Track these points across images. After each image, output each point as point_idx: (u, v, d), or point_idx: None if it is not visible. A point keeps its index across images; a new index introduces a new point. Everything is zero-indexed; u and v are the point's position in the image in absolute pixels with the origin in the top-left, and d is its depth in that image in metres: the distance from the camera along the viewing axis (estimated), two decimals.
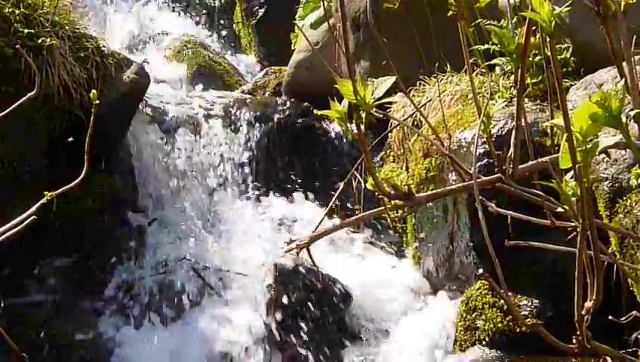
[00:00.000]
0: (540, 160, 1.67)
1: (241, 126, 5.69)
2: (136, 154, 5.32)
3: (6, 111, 2.09)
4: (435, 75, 4.81)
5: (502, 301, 4.06)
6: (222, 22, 8.77)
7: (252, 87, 6.80)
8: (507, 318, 4.11)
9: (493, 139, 3.97)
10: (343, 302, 4.68)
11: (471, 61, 1.96)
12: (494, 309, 4.17)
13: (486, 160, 4.07)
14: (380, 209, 1.71)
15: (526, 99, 4.30)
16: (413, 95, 4.89)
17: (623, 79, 1.38)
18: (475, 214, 4.17)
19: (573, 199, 1.40)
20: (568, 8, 1.53)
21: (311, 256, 1.67)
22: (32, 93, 2.14)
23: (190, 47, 7.64)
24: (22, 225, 1.80)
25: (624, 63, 1.44)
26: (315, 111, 5.80)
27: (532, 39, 1.50)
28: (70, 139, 4.63)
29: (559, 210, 1.46)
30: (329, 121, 5.76)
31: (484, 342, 4.15)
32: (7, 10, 4.64)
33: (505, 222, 1.86)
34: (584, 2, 1.46)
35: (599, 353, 1.51)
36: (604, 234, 3.65)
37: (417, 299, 4.74)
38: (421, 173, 4.71)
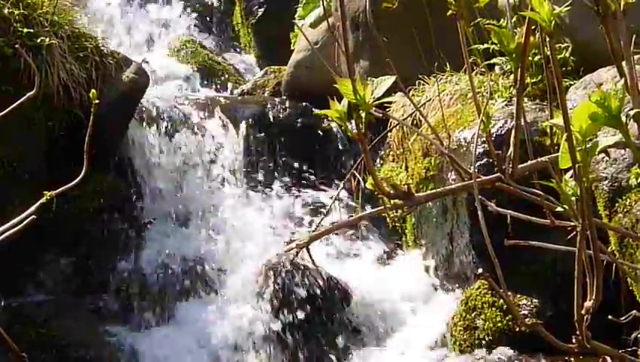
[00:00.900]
0: (539, 159, 1.67)
1: (240, 125, 5.69)
2: (135, 154, 5.32)
3: (5, 111, 2.09)
4: (434, 74, 4.80)
5: (501, 300, 4.06)
6: (221, 21, 8.76)
7: (251, 87, 6.80)
8: (507, 318, 4.11)
9: (492, 138, 3.96)
10: (343, 302, 4.68)
11: (470, 60, 1.96)
12: (494, 309, 4.17)
13: (485, 159, 4.07)
14: (379, 208, 1.71)
15: (525, 99, 4.30)
16: (413, 94, 4.89)
17: (623, 79, 1.38)
18: (474, 214, 4.17)
19: (573, 198, 1.40)
20: (568, 8, 1.53)
21: (310, 256, 1.67)
22: (32, 92, 2.14)
23: (189, 47, 7.63)
24: (21, 225, 1.80)
25: (624, 63, 1.44)
26: (314, 110, 5.80)
27: (531, 39, 1.50)
28: (69, 138, 4.63)
29: (559, 209, 1.46)
30: (328, 120, 5.76)
31: (483, 342, 4.15)
32: (6, 10, 4.63)
33: (504, 222, 1.86)
34: (584, 2, 1.46)
35: (599, 352, 1.51)
36: (603, 234, 3.65)
37: (417, 298, 4.73)
38: (420, 173, 4.71)
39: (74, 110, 4.72)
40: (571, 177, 1.41)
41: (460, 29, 1.87)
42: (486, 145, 3.89)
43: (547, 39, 1.40)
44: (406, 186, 1.61)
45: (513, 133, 1.59)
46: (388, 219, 5.11)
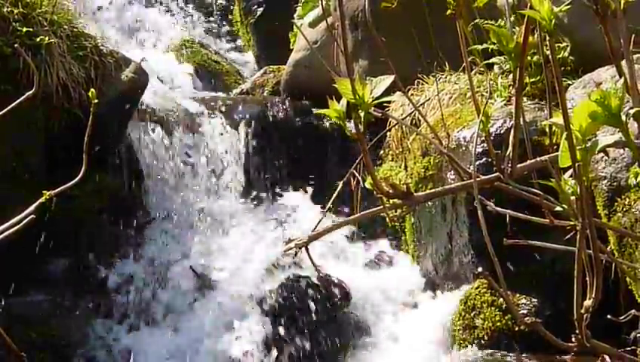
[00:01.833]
0: (538, 159, 1.67)
1: (239, 125, 5.69)
2: (135, 153, 5.32)
3: (5, 111, 2.09)
4: (433, 73, 4.81)
5: (501, 300, 4.06)
6: (220, 20, 8.76)
7: (251, 86, 6.80)
8: (506, 317, 4.11)
9: (491, 138, 3.97)
10: (342, 301, 4.68)
11: (469, 60, 1.96)
12: (493, 308, 4.17)
13: (485, 159, 4.07)
14: (378, 208, 1.71)
15: (524, 98, 4.30)
16: (412, 94, 4.89)
17: (622, 78, 1.38)
18: (473, 213, 4.17)
19: (572, 198, 1.40)
20: (568, 7, 1.53)
21: (310, 255, 1.67)
22: (31, 92, 2.14)
23: (189, 46, 7.63)
24: (21, 225, 1.80)
25: (623, 62, 1.44)
26: (313, 110, 5.80)
27: (530, 38, 1.50)
28: (69, 138, 4.63)
29: (558, 208, 1.46)
30: (328, 119, 5.76)
31: (482, 341, 4.15)
32: (5, 9, 4.63)
33: (504, 221, 1.86)
34: (583, 1, 1.46)
35: (598, 351, 1.51)
36: (602, 233, 3.65)
37: (416, 298, 4.74)
38: (420, 172, 4.71)
39: (73, 109, 4.72)
40: (570, 176, 1.41)
41: (458, 28, 1.87)
42: (485, 145, 3.89)
43: (547, 38, 1.40)
44: (405, 186, 1.61)
45: (512, 133, 1.59)
46: (387, 219, 5.11)
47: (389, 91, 1.51)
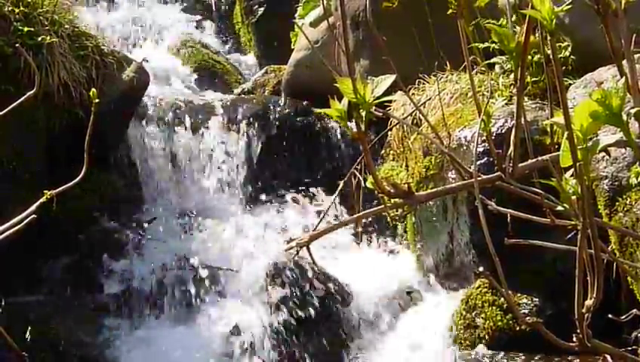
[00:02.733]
0: (539, 158, 1.66)
1: (240, 124, 5.69)
2: (135, 153, 5.32)
3: (6, 110, 2.09)
4: (434, 73, 4.80)
5: (502, 299, 4.06)
6: (221, 20, 8.77)
7: (252, 86, 6.80)
8: (507, 316, 4.11)
9: (492, 137, 3.96)
10: (342, 301, 4.68)
11: (470, 59, 1.96)
12: (494, 307, 4.17)
13: (486, 158, 4.07)
14: (379, 207, 1.71)
15: (525, 98, 4.30)
16: (413, 93, 4.89)
17: (623, 77, 1.38)
18: (475, 213, 4.17)
19: (574, 197, 1.39)
20: (569, 6, 1.53)
21: (311, 255, 1.67)
22: (32, 91, 2.14)
23: (190, 46, 7.64)
24: (21, 224, 1.80)
25: (624, 62, 1.43)
26: (314, 109, 5.80)
27: (532, 37, 1.50)
28: (70, 137, 4.63)
29: (559, 208, 1.46)
30: (329, 119, 5.76)
31: (483, 341, 4.15)
32: (6, 9, 4.63)
33: (505, 221, 1.86)
34: (584, 0, 1.46)
35: (599, 351, 1.51)
36: (603, 233, 3.64)
37: (417, 297, 4.74)
38: (421, 172, 4.71)
39: (74, 109, 4.72)
40: (572, 176, 1.41)
41: (459, 27, 1.87)
42: (486, 144, 3.89)
43: (548, 38, 1.40)
44: (406, 185, 1.61)
45: (513, 132, 1.59)
46: (388, 218, 5.11)
47: (390, 91, 1.50)
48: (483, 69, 4.59)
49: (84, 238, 4.89)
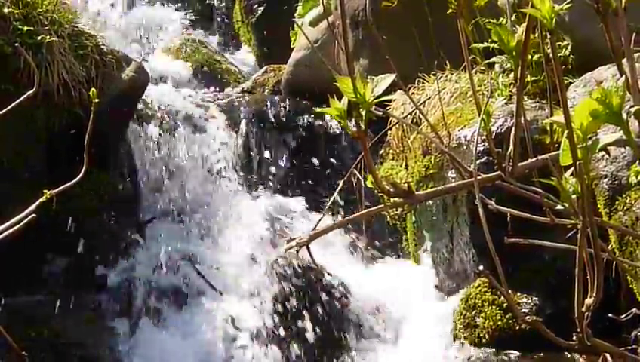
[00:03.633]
0: (539, 157, 1.66)
1: (240, 124, 5.69)
2: (135, 153, 5.32)
3: (5, 110, 2.09)
4: (434, 72, 4.80)
5: (502, 298, 4.06)
6: (221, 20, 8.77)
7: (251, 85, 6.80)
8: (507, 316, 4.11)
9: (492, 136, 3.96)
10: (342, 300, 4.68)
11: (470, 59, 1.96)
12: (494, 307, 4.17)
13: (486, 157, 4.07)
14: (379, 207, 1.71)
15: (525, 97, 4.30)
16: (413, 93, 4.89)
17: (623, 76, 1.38)
18: (474, 212, 4.17)
19: (573, 196, 1.39)
20: (569, 5, 1.53)
21: (311, 254, 1.67)
22: (32, 91, 2.14)
23: (190, 45, 7.63)
24: (21, 224, 1.80)
25: (624, 60, 1.43)
26: (314, 109, 5.79)
27: (532, 36, 1.50)
28: (69, 137, 4.63)
29: (559, 207, 1.46)
30: (329, 118, 5.75)
31: (483, 340, 4.15)
32: (6, 9, 4.63)
33: (505, 220, 1.86)
34: None
35: (599, 350, 1.51)
36: (603, 232, 3.64)
37: (417, 296, 4.73)
38: (420, 171, 4.71)
39: (74, 109, 4.72)
40: (571, 175, 1.41)
41: (459, 27, 1.87)
42: (486, 144, 3.89)
43: (548, 37, 1.40)
44: (406, 184, 1.61)
45: (513, 131, 1.59)
46: (388, 218, 5.11)
47: (389, 90, 1.50)
48: (483, 68, 4.59)
49: (84, 238, 4.88)
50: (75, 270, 4.81)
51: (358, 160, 4.66)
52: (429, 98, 4.77)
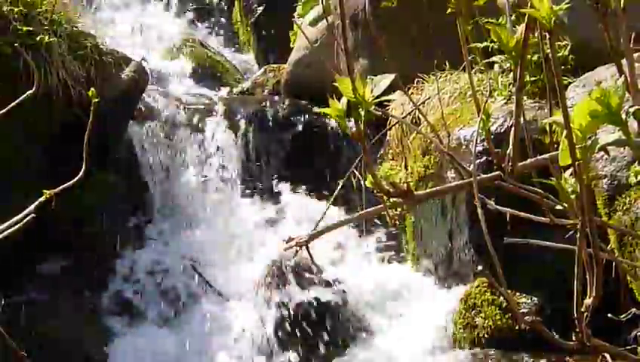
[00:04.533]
0: (539, 157, 1.67)
1: (239, 124, 5.69)
2: (135, 152, 5.32)
3: (5, 110, 2.09)
4: (433, 72, 4.80)
5: (501, 298, 4.06)
6: (221, 20, 8.76)
7: (251, 86, 6.79)
8: (506, 316, 4.11)
9: (492, 136, 3.96)
10: (341, 300, 4.68)
11: (469, 59, 1.96)
12: (493, 307, 4.17)
13: (485, 157, 4.07)
14: (379, 207, 1.71)
15: (525, 97, 4.29)
16: (412, 93, 4.89)
17: (622, 76, 1.38)
18: (474, 212, 4.17)
19: (573, 196, 1.40)
20: (568, 5, 1.53)
21: (310, 254, 1.67)
22: (31, 91, 2.15)
23: (189, 45, 7.63)
24: (21, 224, 1.80)
25: (623, 60, 1.44)
26: (314, 109, 5.79)
27: (531, 37, 1.50)
28: (69, 137, 4.63)
29: (558, 207, 1.46)
30: (328, 118, 5.75)
31: (483, 340, 4.15)
32: (5, 9, 4.63)
33: (504, 220, 1.86)
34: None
35: (599, 350, 1.51)
36: (602, 232, 3.64)
37: (416, 296, 4.73)
38: (420, 171, 4.71)
39: (73, 109, 4.72)
40: (571, 175, 1.41)
41: (459, 27, 1.87)
42: (485, 144, 3.89)
43: (547, 37, 1.40)
44: (405, 184, 1.61)
45: (513, 131, 1.59)
46: (387, 218, 5.10)
47: (389, 90, 1.50)
48: (482, 68, 4.58)
49: (83, 237, 4.88)
50: (76, 270, 4.81)
51: (357, 160, 4.66)
52: (429, 98, 4.77)
